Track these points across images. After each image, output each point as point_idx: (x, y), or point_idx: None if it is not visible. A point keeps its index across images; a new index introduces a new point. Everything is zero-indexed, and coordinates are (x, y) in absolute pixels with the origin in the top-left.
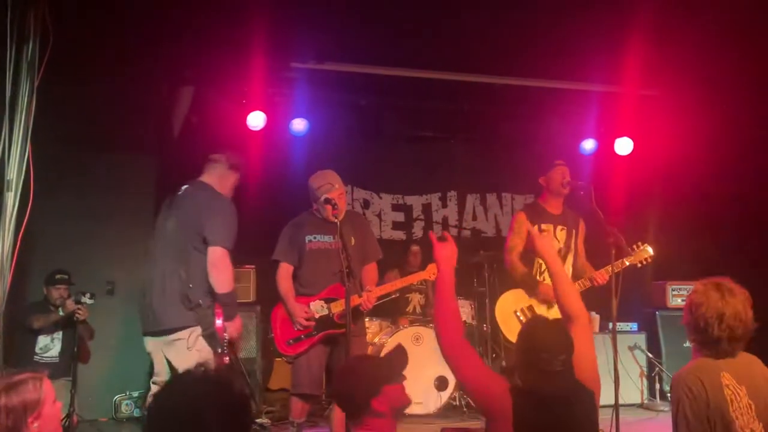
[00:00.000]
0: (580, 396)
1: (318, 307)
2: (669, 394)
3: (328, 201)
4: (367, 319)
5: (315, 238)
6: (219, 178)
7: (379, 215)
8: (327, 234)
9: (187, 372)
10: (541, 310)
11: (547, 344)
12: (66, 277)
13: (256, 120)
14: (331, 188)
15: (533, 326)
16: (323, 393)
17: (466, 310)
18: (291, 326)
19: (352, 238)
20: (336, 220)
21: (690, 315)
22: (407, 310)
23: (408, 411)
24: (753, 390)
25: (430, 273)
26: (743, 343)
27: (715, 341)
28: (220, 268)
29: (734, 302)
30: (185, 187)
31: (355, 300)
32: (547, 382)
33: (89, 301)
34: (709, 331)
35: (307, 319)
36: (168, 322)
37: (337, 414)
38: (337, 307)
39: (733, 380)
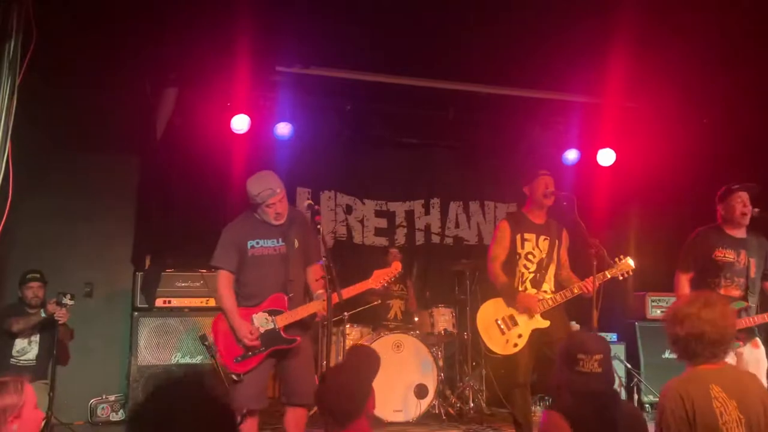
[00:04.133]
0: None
1: (262, 321)
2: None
3: (270, 206)
4: (348, 326)
5: (258, 243)
6: None
7: (361, 221)
8: (270, 238)
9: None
10: (522, 319)
11: (584, 347)
12: (38, 275)
13: (240, 123)
14: (272, 194)
15: (572, 334)
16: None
17: (447, 318)
18: (234, 342)
19: (296, 240)
20: (278, 223)
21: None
22: (388, 316)
23: (388, 419)
24: (744, 405)
25: (376, 282)
26: (726, 347)
27: (697, 353)
28: None
29: (712, 314)
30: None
31: (310, 309)
32: (587, 383)
33: (70, 302)
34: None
35: (253, 338)
36: None
37: (289, 417)
38: (283, 321)
39: (722, 393)
